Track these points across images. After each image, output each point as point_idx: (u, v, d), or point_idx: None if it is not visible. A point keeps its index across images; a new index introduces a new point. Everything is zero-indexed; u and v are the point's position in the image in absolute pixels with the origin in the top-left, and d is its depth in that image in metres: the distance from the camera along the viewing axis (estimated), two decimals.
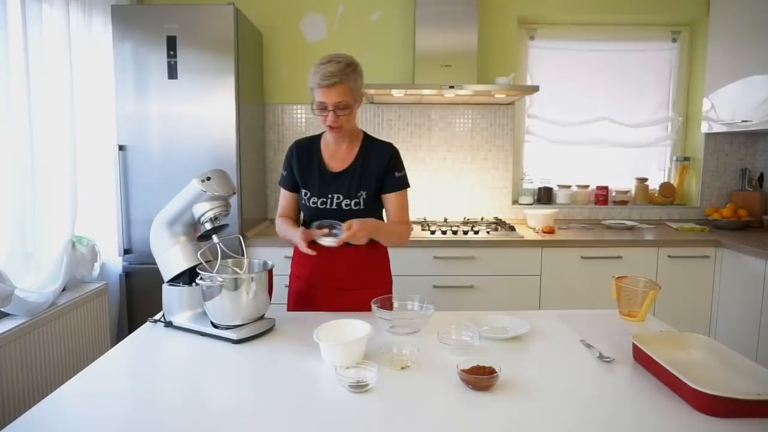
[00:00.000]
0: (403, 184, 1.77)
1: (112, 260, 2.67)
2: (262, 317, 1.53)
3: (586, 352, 1.38)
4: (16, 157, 1.93)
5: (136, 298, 2.74)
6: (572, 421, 1.03)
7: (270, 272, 1.53)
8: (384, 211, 1.82)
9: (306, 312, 1.73)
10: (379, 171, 1.73)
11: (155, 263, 1.60)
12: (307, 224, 1.77)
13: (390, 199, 1.77)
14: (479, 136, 3.37)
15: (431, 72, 3.04)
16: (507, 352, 1.38)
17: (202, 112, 2.66)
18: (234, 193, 1.55)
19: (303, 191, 1.76)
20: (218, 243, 1.54)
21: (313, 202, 1.74)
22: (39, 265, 2.07)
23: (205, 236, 1.57)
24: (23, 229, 1.98)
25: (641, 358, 1.27)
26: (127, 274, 2.72)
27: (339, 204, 1.72)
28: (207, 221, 1.53)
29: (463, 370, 1.15)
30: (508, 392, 1.14)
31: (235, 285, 1.44)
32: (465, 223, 3.20)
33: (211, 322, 1.49)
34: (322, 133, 1.79)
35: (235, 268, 1.61)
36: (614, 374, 1.25)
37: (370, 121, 3.35)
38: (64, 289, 2.19)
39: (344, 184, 1.73)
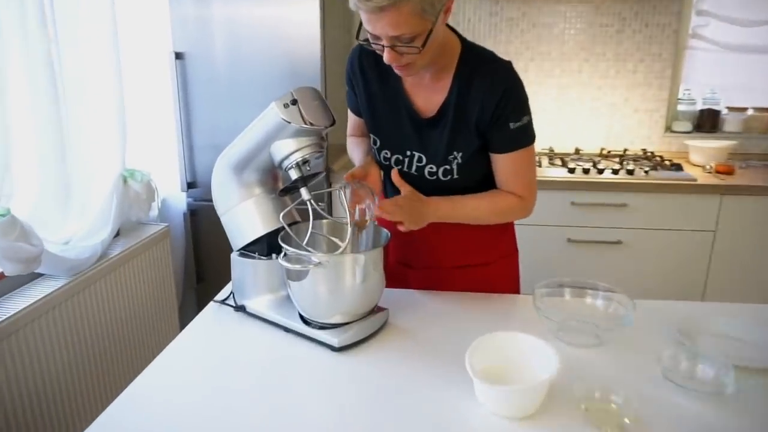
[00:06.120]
0: (520, 140, 1.08)
1: (174, 196, 2.24)
2: (372, 310, 1.03)
3: None
4: (39, 71, 1.43)
5: (204, 240, 2.32)
6: None
7: (388, 246, 0.99)
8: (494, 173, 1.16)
9: (423, 292, 1.21)
10: (483, 119, 1.05)
11: None
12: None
13: (499, 161, 1.11)
14: (629, 41, 2.55)
15: None
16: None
17: (278, 12, 2.06)
18: (333, 123, 0.98)
19: (372, 137, 1.19)
20: (309, 200, 1.01)
21: (385, 158, 1.18)
22: (82, 210, 1.64)
23: (289, 188, 1.04)
24: (60, 166, 1.53)
25: None
26: (192, 212, 2.28)
27: (421, 169, 1.13)
28: (292, 167, 0.99)
29: None
30: None
31: (339, 267, 0.94)
32: (605, 156, 2.49)
33: (300, 315, 1.01)
34: None
35: (334, 238, 1.09)
36: None
37: (483, 21, 2.59)
38: (116, 235, 1.79)
39: (430, 140, 1.11)
